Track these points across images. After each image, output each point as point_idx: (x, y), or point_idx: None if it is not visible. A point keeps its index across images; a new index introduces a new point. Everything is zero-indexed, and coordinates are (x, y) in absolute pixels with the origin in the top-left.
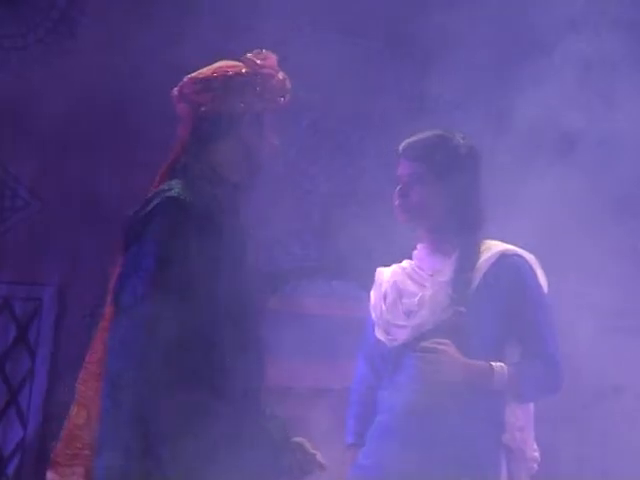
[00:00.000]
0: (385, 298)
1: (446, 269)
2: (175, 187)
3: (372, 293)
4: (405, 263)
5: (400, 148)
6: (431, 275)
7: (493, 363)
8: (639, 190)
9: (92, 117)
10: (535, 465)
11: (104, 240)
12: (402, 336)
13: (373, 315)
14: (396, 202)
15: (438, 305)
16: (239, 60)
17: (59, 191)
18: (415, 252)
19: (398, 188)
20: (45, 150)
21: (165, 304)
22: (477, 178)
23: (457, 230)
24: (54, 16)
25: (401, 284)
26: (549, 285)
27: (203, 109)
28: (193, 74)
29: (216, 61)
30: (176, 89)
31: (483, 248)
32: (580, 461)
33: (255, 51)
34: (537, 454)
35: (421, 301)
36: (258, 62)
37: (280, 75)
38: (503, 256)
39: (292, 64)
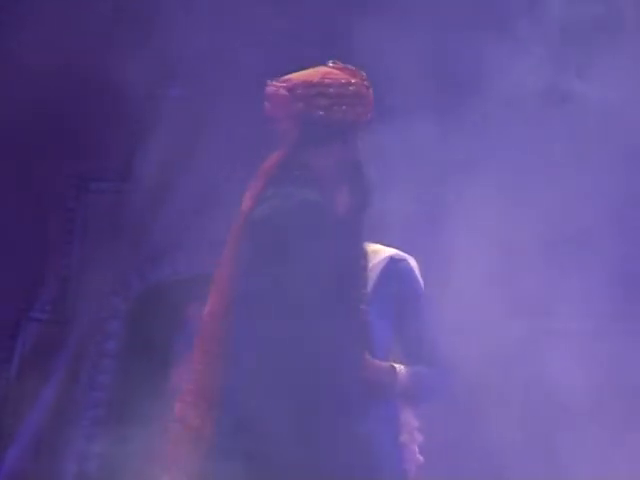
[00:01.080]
0: None
1: None
2: (304, 189)
3: None
4: None
5: None
6: None
7: (395, 364)
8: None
9: (18, 120)
10: (415, 467)
11: None
12: None
13: None
14: None
15: None
16: (339, 69)
17: None
18: None
19: None
20: None
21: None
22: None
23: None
24: None
25: None
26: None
27: (320, 114)
28: (299, 77)
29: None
30: (283, 89)
31: (369, 250)
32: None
33: (332, 61)
34: (420, 457)
35: None
36: (363, 73)
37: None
38: (393, 260)
39: (216, 68)
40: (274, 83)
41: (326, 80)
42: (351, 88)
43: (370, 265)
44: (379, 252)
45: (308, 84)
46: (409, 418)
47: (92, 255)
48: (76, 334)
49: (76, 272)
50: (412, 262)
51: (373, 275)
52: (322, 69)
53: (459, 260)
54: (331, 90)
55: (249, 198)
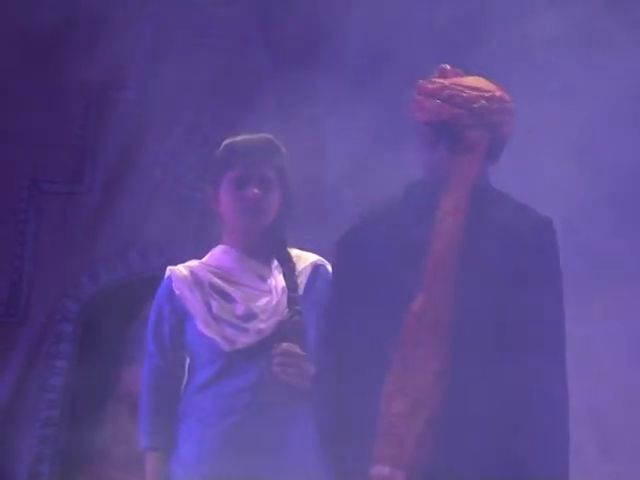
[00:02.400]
0: (205, 297)
1: (276, 275)
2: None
3: (179, 288)
4: (196, 262)
5: (237, 148)
6: (263, 280)
7: None
8: None
9: None
10: None
11: None
12: (245, 339)
13: (192, 312)
14: (248, 204)
15: (282, 310)
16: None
17: None
18: (216, 254)
19: (253, 190)
20: None
21: None
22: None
23: (277, 235)
24: None
25: (223, 286)
26: None
27: (506, 129)
28: (485, 87)
29: None
30: (482, 99)
31: (292, 255)
32: None
33: (445, 65)
34: None
35: (267, 306)
36: None
37: None
38: (316, 266)
39: (165, 70)
40: (457, 87)
41: (507, 96)
42: (509, 106)
43: (297, 270)
44: (301, 257)
45: (500, 98)
46: None
47: (44, 257)
48: (29, 336)
49: (28, 274)
50: (329, 266)
51: (301, 281)
52: (487, 81)
53: None
54: (511, 107)
55: (455, 206)
